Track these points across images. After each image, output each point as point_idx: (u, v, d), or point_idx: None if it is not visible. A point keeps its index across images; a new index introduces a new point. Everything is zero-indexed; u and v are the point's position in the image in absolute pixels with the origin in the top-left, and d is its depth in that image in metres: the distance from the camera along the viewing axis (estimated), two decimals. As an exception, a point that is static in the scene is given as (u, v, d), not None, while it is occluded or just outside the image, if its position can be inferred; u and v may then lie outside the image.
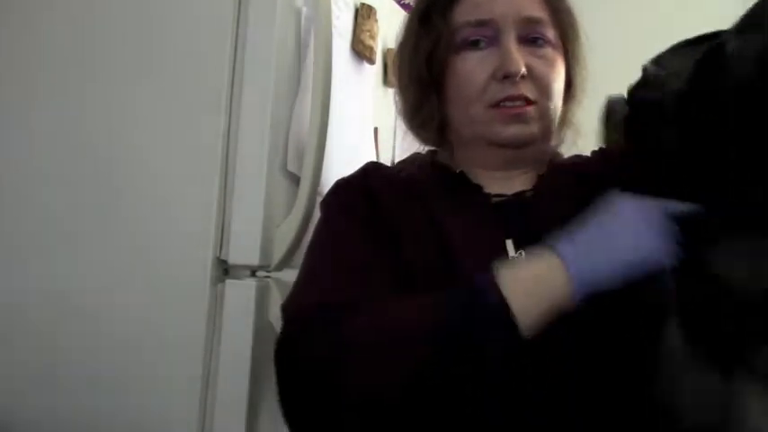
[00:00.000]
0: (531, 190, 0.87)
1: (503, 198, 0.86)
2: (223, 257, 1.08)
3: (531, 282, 0.69)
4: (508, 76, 0.83)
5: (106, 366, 1.08)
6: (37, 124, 1.16)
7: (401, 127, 0.98)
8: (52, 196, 1.14)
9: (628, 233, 0.69)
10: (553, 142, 0.92)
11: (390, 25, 1.47)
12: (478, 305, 0.68)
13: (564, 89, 0.89)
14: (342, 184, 0.91)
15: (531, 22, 0.85)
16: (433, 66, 0.88)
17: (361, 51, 1.38)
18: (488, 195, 0.87)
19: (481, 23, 0.85)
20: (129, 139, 1.12)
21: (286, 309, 0.79)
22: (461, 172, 0.89)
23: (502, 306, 0.67)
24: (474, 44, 0.85)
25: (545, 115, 0.86)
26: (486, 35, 0.85)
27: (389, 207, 0.84)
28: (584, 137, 0.95)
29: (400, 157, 1.04)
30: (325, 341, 0.71)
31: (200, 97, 1.10)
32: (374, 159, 1.46)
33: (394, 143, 1.57)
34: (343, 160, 1.26)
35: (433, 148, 0.98)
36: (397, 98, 0.96)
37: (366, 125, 1.46)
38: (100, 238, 1.11)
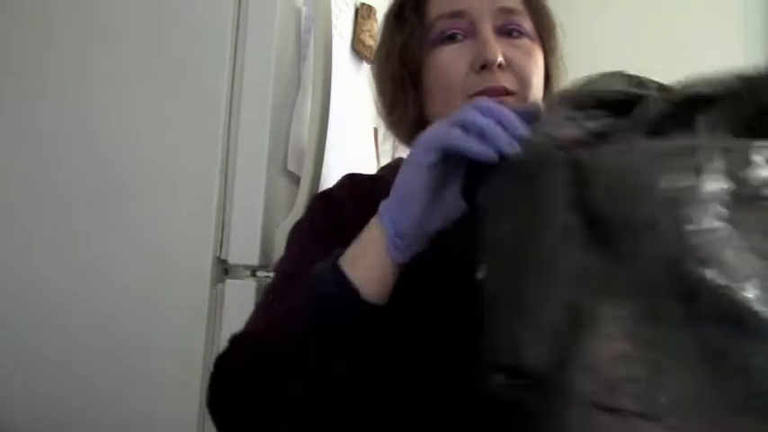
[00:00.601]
0: None
1: None
2: (223, 257, 1.08)
3: (359, 248, 0.68)
4: (486, 66, 0.82)
5: (105, 366, 1.08)
6: (37, 123, 1.16)
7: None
8: (53, 196, 1.14)
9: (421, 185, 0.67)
10: None
11: (390, 25, 1.46)
12: (326, 291, 0.67)
13: (543, 83, 0.89)
14: (308, 209, 0.91)
15: (506, 12, 0.85)
16: (407, 62, 0.87)
17: (361, 51, 1.38)
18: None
19: (456, 15, 0.84)
20: (129, 138, 1.12)
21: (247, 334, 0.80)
22: None
23: (344, 283, 0.66)
24: (450, 38, 0.85)
25: None
26: (462, 27, 0.84)
27: (354, 225, 0.84)
28: None
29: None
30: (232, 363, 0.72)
31: (201, 97, 1.10)
32: (374, 159, 1.47)
33: (394, 143, 1.57)
34: (343, 160, 1.26)
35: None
36: (375, 99, 0.96)
37: (366, 125, 1.46)
38: (100, 238, 1.11)
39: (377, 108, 0.96)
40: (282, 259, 0.86)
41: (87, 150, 1.13)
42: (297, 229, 0.88)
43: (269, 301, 0.80)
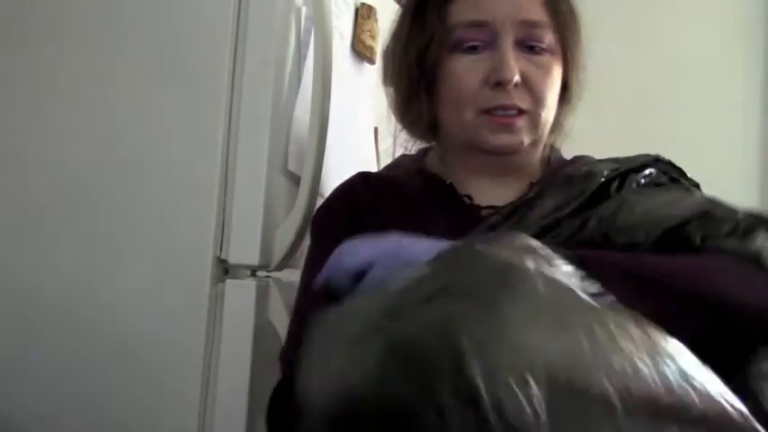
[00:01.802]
0: (522, 198, 0.86)
1: (493, 211, 0.85)
2: (223, 257, 1.08)
3: None
4: (501, 83, 0.81)
5: (105, 365, 1.08)
6: (37, 124, 1.16)
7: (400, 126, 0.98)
8: (53, 196, 1.14)
9: None
10: (540, 147, 0.90)
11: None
12: None
13: (559, 93, 0.87)
14: (323, 210, 0.93)
15: (529, 25, 0.83)
16: (424, 64, 0.86)
17: (361, 51, 1.38)
18: (478, 208, 0.85)
19: (478, 24, 0.83)
20: (129, 138, 1.12)
21: (280, 359, 0.86)
22: (451, 184, 0.88)
23: None
24: (469, 46, 0.83)
25: (536, 124, 0.84)
26: (483, 38, 0.82)
27: (373, 221, 0.84)
28: (571, 139, 0.95)
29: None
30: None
31: (201, 97, 1.10)
32: (374, 159, 1.47)
33: (394, 143, 1.57)
34: (343, 160, 1.26)
35: (423, 146, 0.98)
36: (387, 91, 0.95)
37: (366, 125, 1.46)
38: (100, 238, 1.11)
39: (388, 99, 0.95)
40: (305, 281, 0.90)
41: (87, 150, 1.13)
42: (311, 250, 0.92)
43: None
